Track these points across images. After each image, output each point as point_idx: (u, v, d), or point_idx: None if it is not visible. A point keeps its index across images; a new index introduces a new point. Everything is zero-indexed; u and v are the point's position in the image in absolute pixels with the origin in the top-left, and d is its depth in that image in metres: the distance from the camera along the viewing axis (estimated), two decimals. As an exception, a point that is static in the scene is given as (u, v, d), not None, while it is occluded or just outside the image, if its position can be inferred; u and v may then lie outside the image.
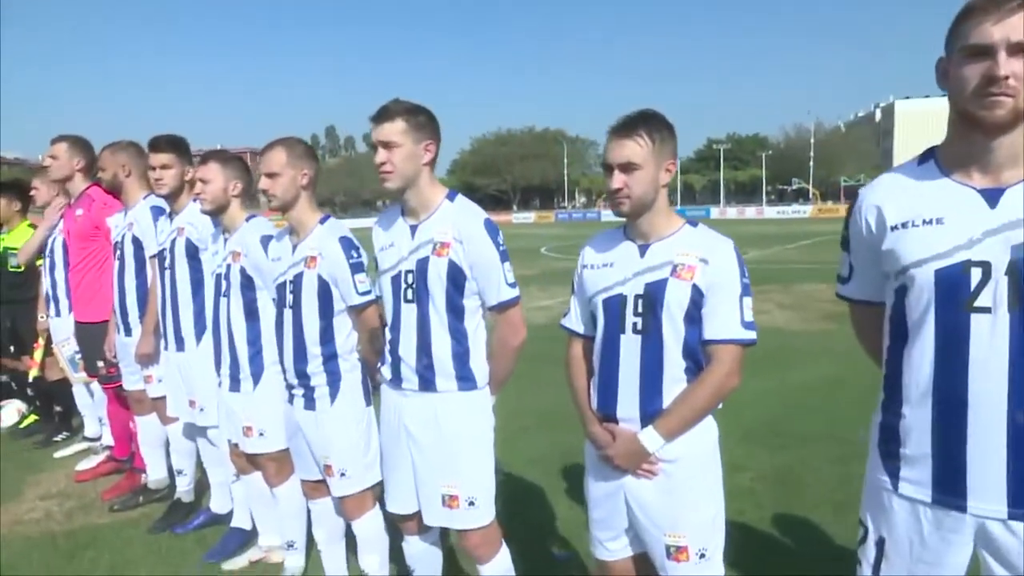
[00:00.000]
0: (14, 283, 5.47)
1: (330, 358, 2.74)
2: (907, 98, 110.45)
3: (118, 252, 4.03)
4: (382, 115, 2.27)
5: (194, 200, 3.29)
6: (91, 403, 5.32)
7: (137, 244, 3.93)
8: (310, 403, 2.77)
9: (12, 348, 5.83)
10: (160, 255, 3.68)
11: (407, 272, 2.33)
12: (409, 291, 2.34)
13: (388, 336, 2.45)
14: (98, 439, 5.38)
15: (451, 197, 2.39)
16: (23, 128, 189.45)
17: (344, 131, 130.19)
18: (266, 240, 3.06)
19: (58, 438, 5.62)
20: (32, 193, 4.97)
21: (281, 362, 2.83)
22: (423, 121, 2.30)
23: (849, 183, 79.31)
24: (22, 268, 5.41)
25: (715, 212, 61.62)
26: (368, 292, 2.68)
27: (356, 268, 2.66)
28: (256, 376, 3.14)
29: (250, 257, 3.06)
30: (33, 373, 5.43)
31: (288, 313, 2.76)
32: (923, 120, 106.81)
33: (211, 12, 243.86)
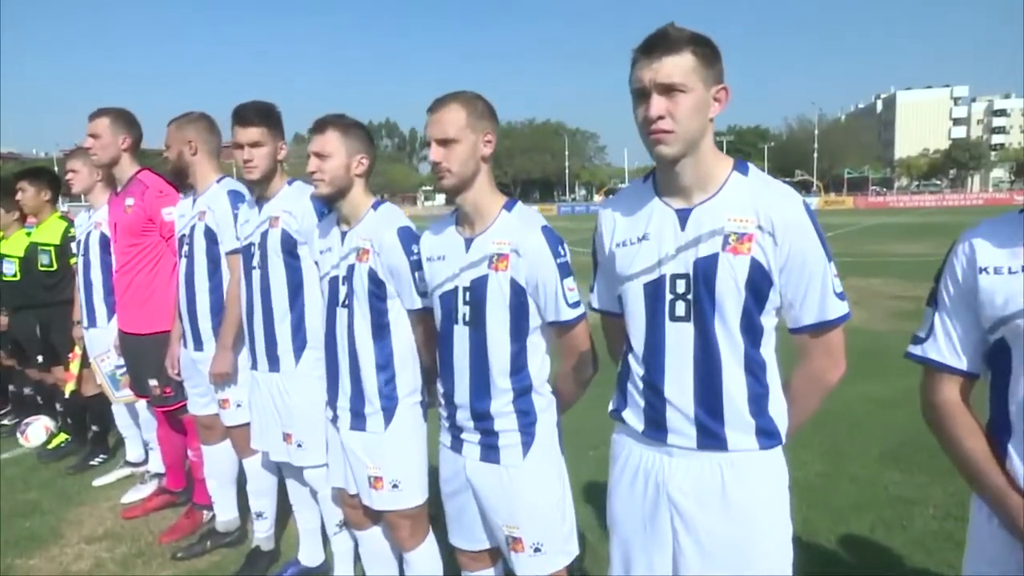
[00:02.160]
0: (46, 284, 4.75)
1: (523, 393, 2.05)
2: (908, 89, 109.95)
3: (185, 248, 3.31)
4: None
5: (306, 181, 2.54)
6: (133, 424, 4.62)
7: (211, 238, 3.21)
8: (490, 453, 2.07)
9: (41, 358, 5.11)
10: (246, 251, 2.96)
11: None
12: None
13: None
14: (142, 464, 4.69)
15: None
16: (18, 122, 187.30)
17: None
18: (409, 235, 2.35)
19: (95, 461, 4.89)
20: (68, 177, 4.24)
21: (450, 397, 2.13)
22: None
23: (853, 175, 78.94)
24: (54, 267, 4.69)
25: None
26: (579, 303, 1.99)
27: (564, 271, 1.97)
28: (389, 411, 2.44)
29: (384, 256, 2.35)
30: (69, 387, 4.71)
31: (463, 332, 2.06)
32: (924, 110, 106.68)
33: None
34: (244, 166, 2.82)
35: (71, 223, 4.75)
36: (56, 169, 4.91)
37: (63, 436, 5.25)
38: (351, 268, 2.41)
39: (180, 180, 3.42)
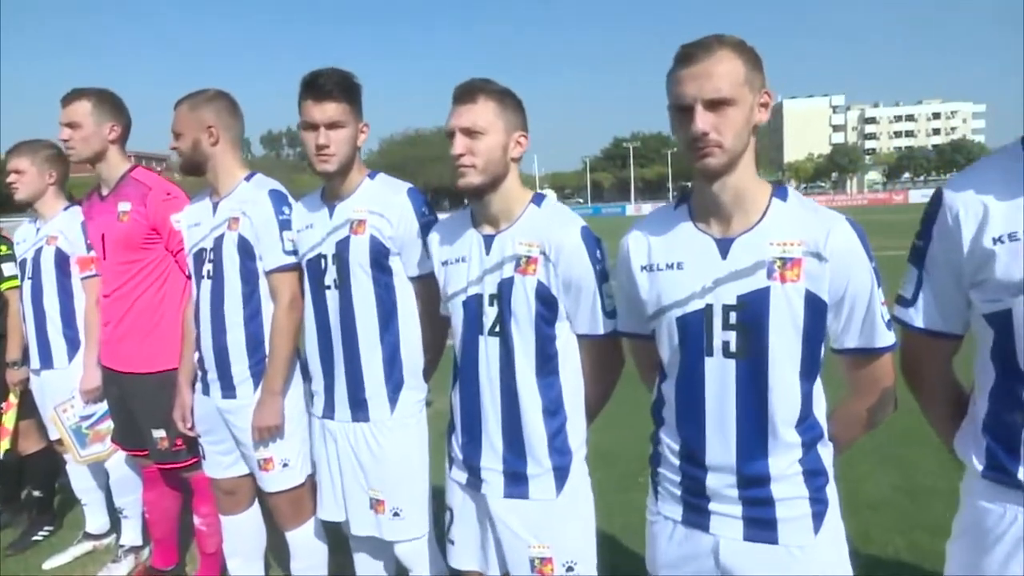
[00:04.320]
0: (-33, 317, 3.71)
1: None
2: (793, 97, 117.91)
3: (207, 267, 2.53)
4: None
5: (459, 175, 1.84)
6: (96, 487, 3.70)
7: (246, 251, 2.46)
8: (762, 531, 1.51)
9: (-45, 410, 4.04)
10: (314, 266, 2.26)
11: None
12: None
13: None
14: (104, 536, 3.77)
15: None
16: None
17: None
18: (593, 236, 1.79)
19: (38, 536, 3.88)
20: (11, 180, 3.29)
21: (692, 454, 1.55)
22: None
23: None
24: (-21, 294, 3.68)
25: (630, 209, 62.33)
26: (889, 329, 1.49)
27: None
28: (561, 471, 1.87)
29: (563, 265, 1.78)
30: (3, 447, 3.69)
31: (725, 367, 1.50)
32: (807, 117, 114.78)
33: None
34: (316, 154, 2.13)
35: (1, 239, 3.76)
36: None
37: (-11, 505, 4.18)
38: (508, 284, 1.80)
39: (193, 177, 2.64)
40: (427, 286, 2.21)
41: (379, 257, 2.16)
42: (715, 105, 1.38)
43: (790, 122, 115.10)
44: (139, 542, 3.55)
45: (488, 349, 1.84)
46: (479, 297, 1.85)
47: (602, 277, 1.79)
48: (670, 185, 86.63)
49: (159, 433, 2.94)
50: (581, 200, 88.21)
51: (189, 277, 2.72)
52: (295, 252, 2.41)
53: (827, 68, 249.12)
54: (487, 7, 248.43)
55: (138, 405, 2.97)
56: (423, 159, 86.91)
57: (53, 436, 3.52)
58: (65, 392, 3.28)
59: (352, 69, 2.16)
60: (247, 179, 2.55)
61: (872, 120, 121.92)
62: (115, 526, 3.76)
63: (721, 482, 1.48)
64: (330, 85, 2.10)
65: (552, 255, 1.76)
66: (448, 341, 2.34)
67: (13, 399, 3.67)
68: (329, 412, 2.28)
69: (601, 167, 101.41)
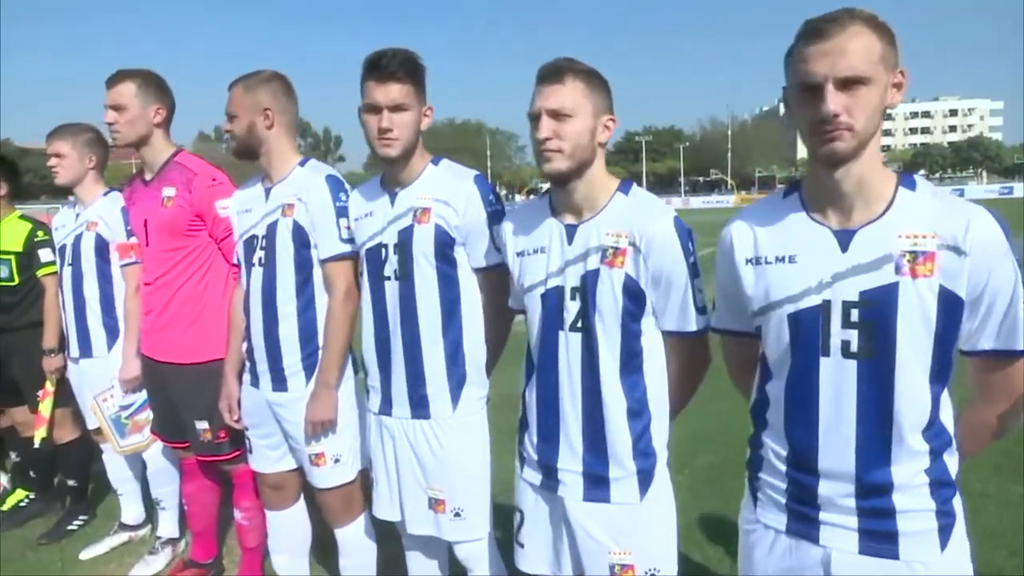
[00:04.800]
0: (3, 303, 3.65)
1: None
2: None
3: (259, 255, 2.45)
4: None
5: (542, 160, 1.73)
6: (132, 478, 3.65)
7: (300, 239, 2.38)
8: (881, 544, 1.41)
9: (-10, 397, 4.00)
10: (373, 256, 2.17)
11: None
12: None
13: None
14: (140, 527, 3.72)
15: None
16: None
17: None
18: (686, 228, 1.69)
19: (73, 525, 3.83)
20: (52, 164, 3.22)
21: (803, 459, 1.46)
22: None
23: (763, 174, 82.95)
24: (16, 280, 3.62)
25: (643, 203, 61.85)
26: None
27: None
28: (645, 474, 1.78)
29: (655, 257, 1.70)
30: (40, 435, 3.64)
31: (844, 367, 1.40)
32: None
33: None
34: (379, 139, 2.04)
35: (38, 224, 3.70)
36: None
37: (21, 493, 4.12)
38: (593, 276, 1.71)
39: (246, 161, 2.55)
40: (492, 278, 2.12)
41: (444, 247, 2.07)
42: (847, 84, 1.28)
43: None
44: (176, 534, 3.50)
45: (569, 345, 1.75)
46: (560, 290, 1.76)
47: (694, 271, 1.70)
48: (682, 180, 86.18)
49: (202, 425, 2.88)
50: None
51: (236, 265, 2.64)
52: (352, 240, 2.33)
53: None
54: (492, 3, 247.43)
55: (180, 396, 2.90)
56: (432, 151, 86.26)
57: (91, 425, 3.47)
58: (104, 381, 3.23)
59: (354, 64, 2.07)
60: (301, 164, 2.46)
61: (888, 117, 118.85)
62: (150, 517, 3.73)
63: (836, 490, 1.39)
64: (394, 65, 2.00)
65: (642, 246, 1.66)
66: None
67: (50, 387, 3.62)
68: (387, 408, 2.20)
69: (613, 161, 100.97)
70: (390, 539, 2.61)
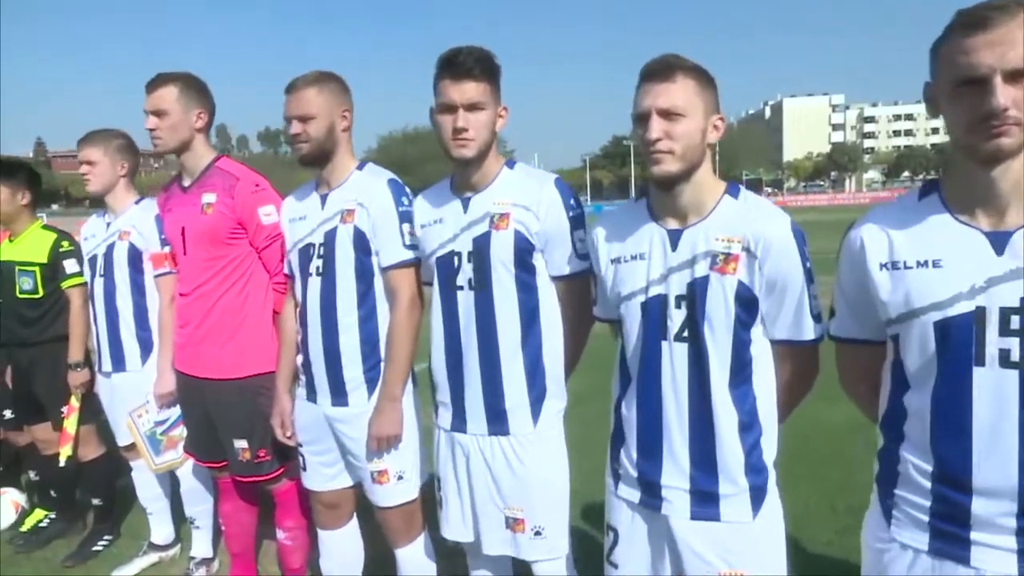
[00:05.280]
0: (27, 316, 3.51)
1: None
2: (793, 96, 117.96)
3: (319, 262, 2.35)
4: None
5: (653, 158, 1.64)
6: (163, 495, 3.52)
7: (362, 246, 2.28)
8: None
9: (9, 412, 3.85)
10: (445, 264, 2.08)
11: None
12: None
13: None
14: (170, 547, 3.59)
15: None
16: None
17: (236, 130, 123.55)
18: (800, 232, 1.61)
19: (98, 546, 3.70)
20: (84, 171, 3.11)
21: (954, 475, 1.38)
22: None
23: (750, 176, 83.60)
24: (40, 293, 3.49)
25: (632, 207, 62.08)
26: None
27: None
28: (758, 490, 1.71)
29: (772, 261, 1.62)
30: (65, 453, 3.51)
31: (1001, 377, 1.33)
32: (807, 116, 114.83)
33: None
34: (453, 139, 1.95)
35: (63, 234, 3.58)
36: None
37: (40, 513, 3.98)
38: (702, 284, 1.63)
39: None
40: (572, 287, 2.04)
41: (523, 255, 1.99)
42: (1017, 76, 1.20)
43: (790, 121, 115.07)
44: (210, 554, 3.39)
45: (673, 356, 1.67)
46: (662, 298, 1.68)
47: (810, 277, 1.63)
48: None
49: (240, 444, 2.76)
50: (582, 198, 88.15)
51: (288, 276, 2.54)
52: (415, 247, 2.24)
53: (827, 67, 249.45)
54: (487, 3, 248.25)
55: (217, 414, 2.78)
56: (422, 156, 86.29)
57: (123, 442, 3.34)
58: (138, 396, 3.11)
59: (351, 66, 2.08)
60: (359, 168, 2.37)
61: (871, 119, 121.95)
62: (179, 536, 3.60)
63: (993, 509, 1.31)
64: (470, 63, 1.92)
65: (758, 251, 1.59)
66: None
67: (75, 403, 3.49)
68: (459, 424, 2.11)
69: (601, 165, 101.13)
70: (441, 557, 2.53)
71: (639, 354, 1.74)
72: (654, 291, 1.70)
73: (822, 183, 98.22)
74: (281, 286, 2.72)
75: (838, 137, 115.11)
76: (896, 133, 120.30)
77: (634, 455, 1.76)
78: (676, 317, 1.66)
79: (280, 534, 2.95)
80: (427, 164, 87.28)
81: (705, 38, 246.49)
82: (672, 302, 1.67)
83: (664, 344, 1.68)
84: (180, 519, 3.57)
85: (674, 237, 1.68)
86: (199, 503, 3.31)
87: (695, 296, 1.63)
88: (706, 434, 1.65)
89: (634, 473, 1.77)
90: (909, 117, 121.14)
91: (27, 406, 3.68)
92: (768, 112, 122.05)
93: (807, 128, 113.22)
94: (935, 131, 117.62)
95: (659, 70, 1.60)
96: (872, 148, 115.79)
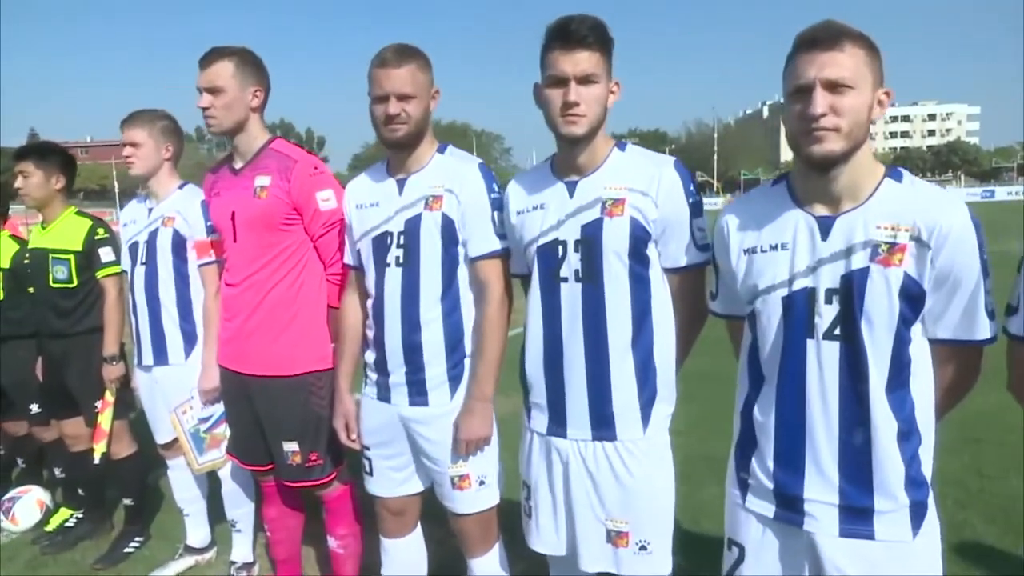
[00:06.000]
0: (61, 307, 3.33)
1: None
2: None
3: (399, 251, 2.17)
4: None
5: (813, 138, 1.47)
6: (200, 496, 3.35)
7: (449, 235, 2.11)
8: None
9: (36, 407, 3.68)
10: (547, 254, 1.91)
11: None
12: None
13: None
14: (207, 550, 3.42)
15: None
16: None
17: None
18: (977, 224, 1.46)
19: (130, 547, 3.52)
20: (127, 154, 2.93)
21: None
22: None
23: (749, 176, 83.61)
24: (74, 282, 3.31)
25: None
26: None
27: None
28: (919, 507, 1.54)
29: (947, 253, 1.46)
30: (100, 450, 3.33)
31: None
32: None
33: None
34: (563, 115, 1.79)
35: (98, 221, 3.40)
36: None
37: (66, 512, 3.81)
38: (860, 277, 1.47)
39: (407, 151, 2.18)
40: (687, 280, 1.89)
41: (639, 244, 1.83)
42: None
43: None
44: (251, 558, 3.23)
45: (821, 356, 1.52)
46: (810, 292, 1.53)
47: (986, 271, 1.48)
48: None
49: (291, 447, 2.59)
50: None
51: (352, 267, 2.37)
52: (505, 236, 2.09)
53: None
54: (484, 3, 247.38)
55: (266, 414, 2.61)
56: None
57: (161, 440, 3.17)
58: (181, 391, 2.94)
59: (349, 66, 1.88)
60: (440, 151, 2.20)
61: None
62: (215, 538, 3.44)
63: None
64: (584, 30, 1.75)
65: (932, 241, 1.43)
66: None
67: (109, 397, 3.32)
68: (558, 428, 1.94)
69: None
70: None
71: (778, 353, 1.58)
72: (799, 284, 1.54)
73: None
74: (336, 277, 2.55)
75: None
76: (892, 135, 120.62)
77: (770, 464, 1.61)
78: (826, 313, 1.51)
79: (332, 542, 2.79)
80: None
81: (702, 37, 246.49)
82: (821, 296, 1.51)
83: (810, 343, 1.53)
84: (214, 521, 3.41)
85: (824, 225, 1.53)
86: (240, 505, 3.14)
87: (851, 290, 1.48)
88: (860, 443, 1.50)
89: (769, 484, 1.61)
90: (905, 119, 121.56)
91: (57, 400, 3.50)
92: (766, 112, 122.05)
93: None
94: (931, 133, 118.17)
95: (825, 37, 1.44)
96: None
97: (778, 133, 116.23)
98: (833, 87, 1.43)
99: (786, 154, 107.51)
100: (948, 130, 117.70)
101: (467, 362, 2.16)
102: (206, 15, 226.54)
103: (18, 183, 3.27)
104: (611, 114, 1.86)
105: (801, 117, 1.46)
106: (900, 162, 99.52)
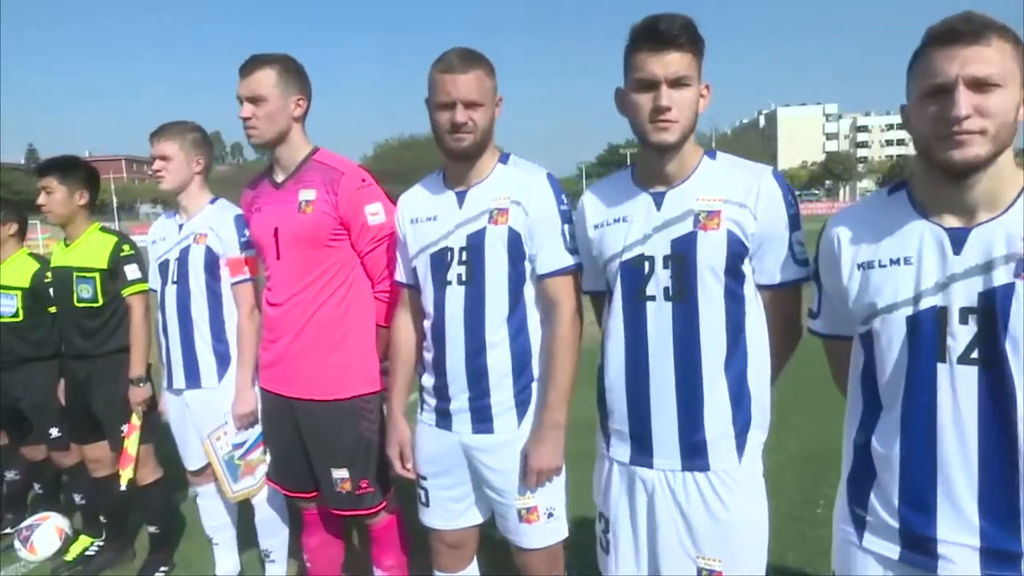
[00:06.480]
0: (86, 327, 3.19)
1: None
2: (787, 105, 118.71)
3: (460, 268, 2.03)
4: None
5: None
6: (230, 524, 3.20)
7: (516, 250, 1.98)
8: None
9: (55, 431, 3.53)
10: (631, 270, 1.77)
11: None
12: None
13: None
14: (237, 578, 3.26)
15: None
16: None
17: (231, 137, 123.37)
18: None
19: (155, 578, 3.37)
20: (158, 167, 2.79)
21: None
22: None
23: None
24: (99, 301, 3.17)
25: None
26: None
27: None
28: None
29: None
30: (126, 476, 3.17)
31: None
32: (801, 125, 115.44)
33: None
34: (652, 121, 1.66)
35: (123, 238, 3.26)
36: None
37: (86, 540, 3.64)
38: (1003, 294, 1.34)
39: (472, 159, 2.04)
40: (782, 297, 1.76)
41: (736, 260, 1.69)
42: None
43: (784, 129, 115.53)
44: (283, 585, 3.06)
45: (956, 382, 1.38)
46: (940, 311, 1.39)
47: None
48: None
49: (340, 474, 2.45)
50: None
51: (407, 285, 2.23)
52: (576, 251, 1.96)
53: (821, 76, 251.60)
54: (483, 13, 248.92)
55: (314, 439, 2.48)
56: (417, 163, 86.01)
57: (192, 466, 3.03)
58: (214, 415, 2.80)
59: (349, 74, 1.80)
60: (503, 162, 2.07)
61: (864, 128, 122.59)
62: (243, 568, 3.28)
63: None
64: (675, 29, 1.62)
65: None
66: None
67: (136, 421, 3.17)
68: (642, 458, 1.80)
69: (597, 173, 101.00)
70: None
71: (902, 379, 1.44)
72: (927, 303, 1.40)
73: (817, 192, 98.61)
74: (385, 295, 2.43)
75: (832, 146, 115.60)
76: (889, 143, 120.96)
77: (895, 501, 1.47)
78: (961, 335, 1.37)
79: (377, 573, 2.64)
80: (421, 171, 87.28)
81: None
82: (956, 316, 1.38)
83: (941, 367, 1.39)
84: (241, 549, 3.26)
85: (957, 238, 1.39)
86: (276, 534, 2.99)
87: (993, 309, 1.34)
88: (1006, 480, 1.35)
89: (894, 523, 1.47)
90: (902, 127, 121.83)
91: (80, 424, 3.35)
92: (762, 121, 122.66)
93: (801, 137, 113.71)
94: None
95: (967, 30, 1.30)
96: (865, 157, 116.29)
97: (774, 142, 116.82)
98: (978, 85, 1.29)
99: (783, 163, 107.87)
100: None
101: (535, 386, 2.03)
102: (206, 21, 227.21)
103: (41, 199, 3.14)
104: (610, 124, 1.74)
105: (939, 119, 1.32)
106: (898, 171, 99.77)
